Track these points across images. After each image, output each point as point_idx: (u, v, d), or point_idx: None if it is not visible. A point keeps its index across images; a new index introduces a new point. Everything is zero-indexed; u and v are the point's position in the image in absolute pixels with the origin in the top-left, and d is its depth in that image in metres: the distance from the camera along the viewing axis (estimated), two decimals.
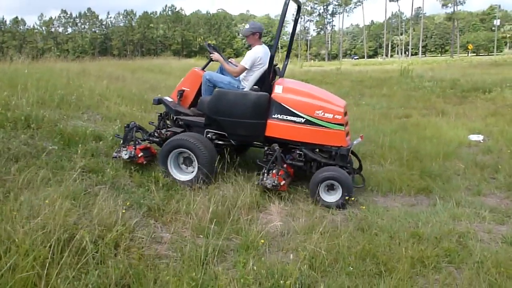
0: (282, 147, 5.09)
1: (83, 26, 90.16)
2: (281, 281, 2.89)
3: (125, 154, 5.04)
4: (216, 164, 4.99)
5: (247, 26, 5.59)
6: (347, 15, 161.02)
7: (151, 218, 3.99)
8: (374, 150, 6.90)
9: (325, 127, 4.95)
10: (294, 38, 6.39)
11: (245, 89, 5.26)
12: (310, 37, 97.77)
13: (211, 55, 5.65)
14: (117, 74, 12.58)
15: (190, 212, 4.07)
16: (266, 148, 5.20)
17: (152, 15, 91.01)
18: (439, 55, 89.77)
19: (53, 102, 6.68)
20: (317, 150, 5.21)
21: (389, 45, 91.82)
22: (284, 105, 4.98)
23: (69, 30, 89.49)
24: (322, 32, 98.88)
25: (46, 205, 3.38)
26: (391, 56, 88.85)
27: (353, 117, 9.35)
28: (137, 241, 3.48)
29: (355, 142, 5.28)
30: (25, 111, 5.84)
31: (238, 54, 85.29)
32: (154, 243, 3.56)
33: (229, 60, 5.79)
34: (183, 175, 5.08)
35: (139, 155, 5.09)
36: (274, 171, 4.84)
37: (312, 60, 67.08)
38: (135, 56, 49.26)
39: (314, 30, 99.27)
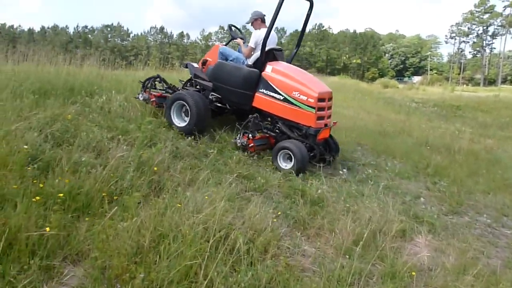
0: (266, 118, 6.13)
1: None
2: None
3: (141, 97, 6.66)
4: (205, 119, 6.12)
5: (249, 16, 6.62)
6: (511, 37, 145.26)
7: (297, 230, 4.09)
8: None
9: (298, 107, 5.81)
10: (305, 33, 7.35)
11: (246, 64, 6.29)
12: (464, 60, 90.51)
13: (234, 40, 6.91)
14: None
15: (334, 230, 4.08)
16: (250, 116, 6.07)
17: None
18: None
19: None
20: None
21: None
22: (270, 82, 5.95)
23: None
24: (478, 55, 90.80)
25: (207, 203, 3.71)
26: None
27: None
28: (283, 250, 3.61)
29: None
30: None
31: (383, 73, 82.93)
32: (299, 255, 3.65)
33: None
34: (181, 123, 6.16)
35: (152, 100, 6.58)
36: (246, 134, 5.88)
37: (464, 85, 61.97)
38: None
39: (470, 52, 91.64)
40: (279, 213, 4.24)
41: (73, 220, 3.30)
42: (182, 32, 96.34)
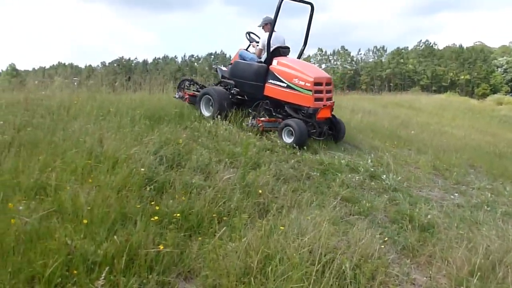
0: (275, 104, 7.19)
1: (335, 62, 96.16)
2: None
3: (177, 95, 8.20)
4: (226, 108, 7.20)
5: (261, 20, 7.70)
6: None
7: (406, 257, 3.90)
8: None
9: (298, 91, 6.85)
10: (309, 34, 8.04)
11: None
12: None
13: (251, 44, 8.05)
14: (368, 108, 12.95)
15: (447, 259, 3.81)
16: (261, 103, 7.21)
17: (403, 50, 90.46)
18: None
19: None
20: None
21: None
22: (275, 73, 7.08)
23: (323, 66, 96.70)
24: None
25: (311, 226, 3.70)
26: None
27: None
28: (392, 277, 3.45)
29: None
30: None
31: (496, 90, 76.33)
32: (408, 283, 3.47)
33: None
34: (208, 113, 7.43)
35: (186, 97, 8.05)
36: (257, 118, 6.98)
37: None
38: (382, 91, 49.67)
39: None
40: (386, 238, 4.08)
41: (186, 239, 3.49)
42: None
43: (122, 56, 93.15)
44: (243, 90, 7.59)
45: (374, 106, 14.18)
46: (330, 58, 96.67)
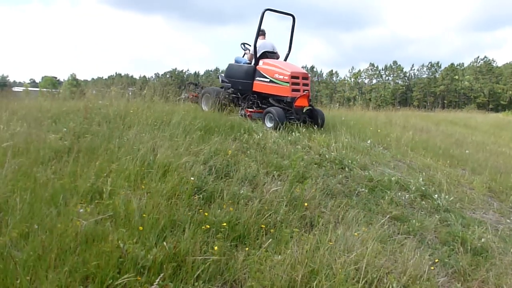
0: (262, 98, 8.71)
1: (387, 77, 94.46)
2: None
3: (183, 96, 9.98)
4: (219, 103, 8.50)
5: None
6: None
7: (457, 281, 3.74)
8: None
9: (279, 84, 8.28)
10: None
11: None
12: None
13: (245, 52, 9.42)
14: (421, 125, 12.59)
15: (502, 286, 3.64)
16: (249, 96, 8.81)
17: (458, 66, 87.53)
18: None
19: (364, 149, 7.22)
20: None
21: None
22: (261, 72, 8.56)
23: (374, 81, 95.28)
24: None
25: (358, 243, 3.65)
26: None
27: None
28: None
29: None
30: (340, 154, 6.55)
31: None
32: None
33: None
34: (207, 108, 8.79)
35: (190, 97, 9.90)
36: (245, 108, 8.58)
37: None
38: (435, 108, 48.13)
39: None
40: (437, 260, 3.94)
41: (232, 248, 3.54)
42: (332, 70, 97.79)
43: (175, 68, 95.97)
44: (237, 88, 9.03)
45: (427, 123, 13.74)
46: (382, 73, 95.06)
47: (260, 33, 8.95)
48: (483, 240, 4.44)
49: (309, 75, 9.03)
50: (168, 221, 3.65)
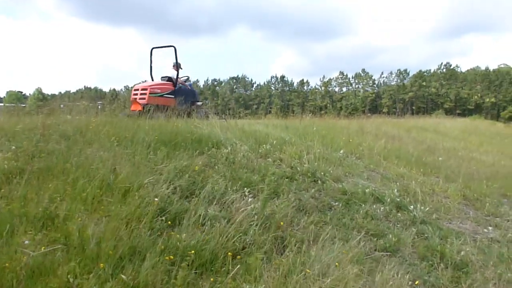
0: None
1: (356, 85, 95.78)
2: None
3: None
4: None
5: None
6: None
7: None
8: None
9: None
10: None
11: None
12: None
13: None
14: (392, 133, 12.61)
15: None
16: None
17: (426, 73, 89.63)
18: None
19: (337, 159, 7.04)
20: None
21: None
22: None
23: (344, 89, 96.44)
24: None
25: (334, 264, 3.41)
26: None
27: None
28: None
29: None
30: (312, 166, 6.33)
31: None
32: None
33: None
34: None
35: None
36: None
37: None
38: (404, 114, 48.96)
39: None
40: (417, 282, 3.72)
41: (197, 277, 3.24)
42: (303, 79, 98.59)
43: (145, 80, 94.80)
44: None
45: (398, 130, 13.79)
46: (352, 81, 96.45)
47: (174, 66, 11.36)
48: (462, 253, 4.29)
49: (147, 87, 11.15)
50: (127, 249, 3.35)
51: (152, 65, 11.75)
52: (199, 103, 12.38)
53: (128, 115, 9.61)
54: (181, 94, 11.45)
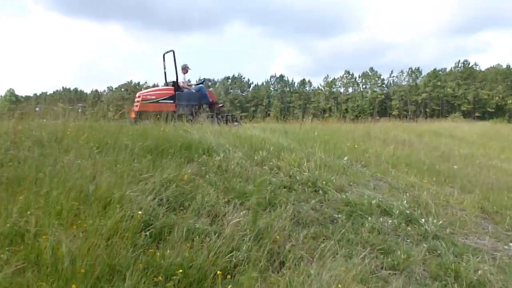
0: None
1: (364, 86, 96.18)
2: None
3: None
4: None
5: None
6: None
7: None
8: None
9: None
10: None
11: None
12: None
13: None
14: (402, 138, 12.63)
15: None
16: None
17: (440, 72, 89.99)
18: None
19: (340, 167, 7.05)
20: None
21: None
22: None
23: (350, 90, 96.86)
24: None
25: (335, 284, 3.41)
26: None
27: None
28: None
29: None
30: (313, 174, 6.34)
31: None
32: None
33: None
34: None
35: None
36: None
37: None
38: (417, 117, 49.10)
39: None
40: None
41: None
42: (304, 79, 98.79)
43: (130, 80, 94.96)
44: None
45: (409, 135, 13.81)
46: (358, 81, 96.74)
47: (184, 69, 13.04)
48: (479, 272, 4.29)
49: (140, 94, 12.46)
50: (106, 267, 3.34)
51: (166, 70, 12.80)
52: (218, 106, 13.49)
53: (131, 122, 10.62)
54: (183, 98, 12.23)
